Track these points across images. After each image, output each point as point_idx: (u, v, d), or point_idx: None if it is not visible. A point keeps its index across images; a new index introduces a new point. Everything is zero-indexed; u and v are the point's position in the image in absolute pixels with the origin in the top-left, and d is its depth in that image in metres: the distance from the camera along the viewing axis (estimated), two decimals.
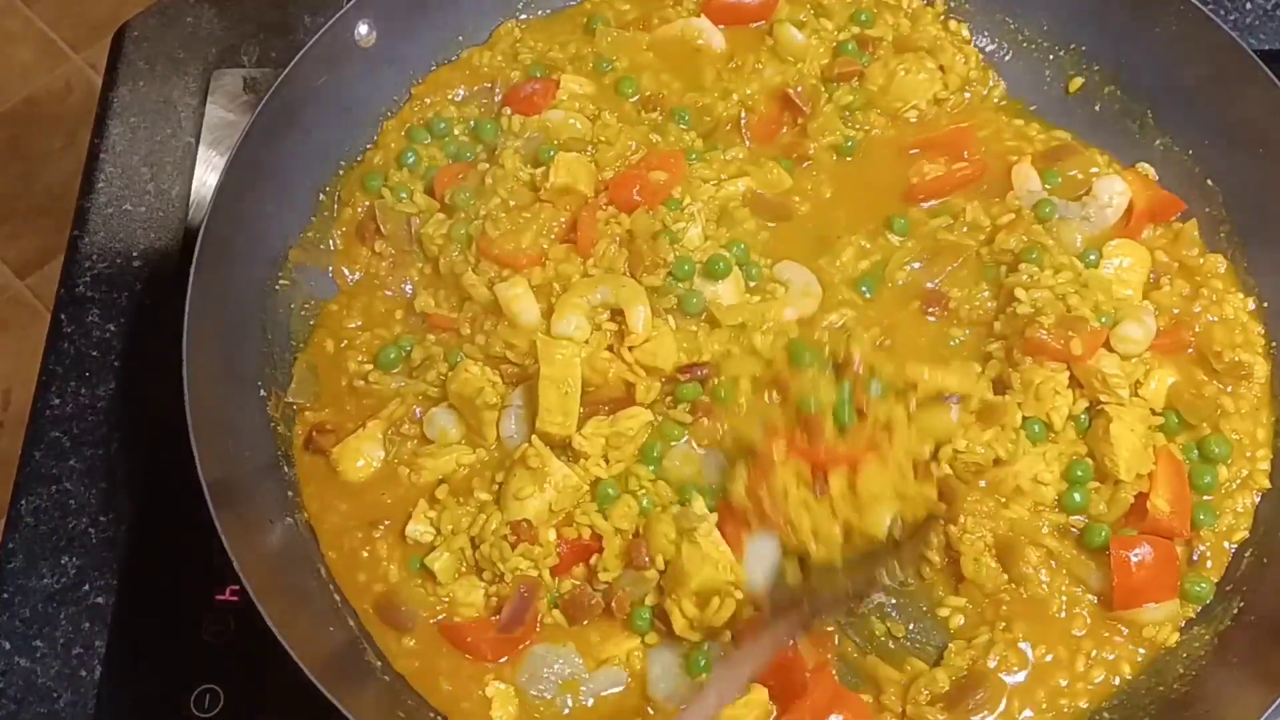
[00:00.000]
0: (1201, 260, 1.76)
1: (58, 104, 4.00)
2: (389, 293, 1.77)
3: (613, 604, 1.52)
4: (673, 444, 1.61)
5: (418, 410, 1.67)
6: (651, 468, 1.59)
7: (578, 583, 1.55)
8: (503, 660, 1.53)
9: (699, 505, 1.54)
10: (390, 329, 1.74)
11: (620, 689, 1.52)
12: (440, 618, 1.56)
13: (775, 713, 1.49)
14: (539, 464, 1.55)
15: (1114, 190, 1.79)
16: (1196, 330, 1.70)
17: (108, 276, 1.88)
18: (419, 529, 1.59)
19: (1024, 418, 1.59)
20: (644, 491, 1.57)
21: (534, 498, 1.54)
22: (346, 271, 1.79)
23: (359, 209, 1.81)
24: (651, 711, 1.51)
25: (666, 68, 1.93)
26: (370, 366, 1.70)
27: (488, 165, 1.79)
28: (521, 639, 1.53)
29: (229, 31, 2.08)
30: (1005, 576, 1.56)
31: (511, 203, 1.73)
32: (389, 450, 1.65)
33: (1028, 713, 1.51)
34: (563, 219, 1.72)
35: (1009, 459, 1.57)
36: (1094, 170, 1.81)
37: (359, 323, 1.75)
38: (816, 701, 1.46)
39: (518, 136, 1.81)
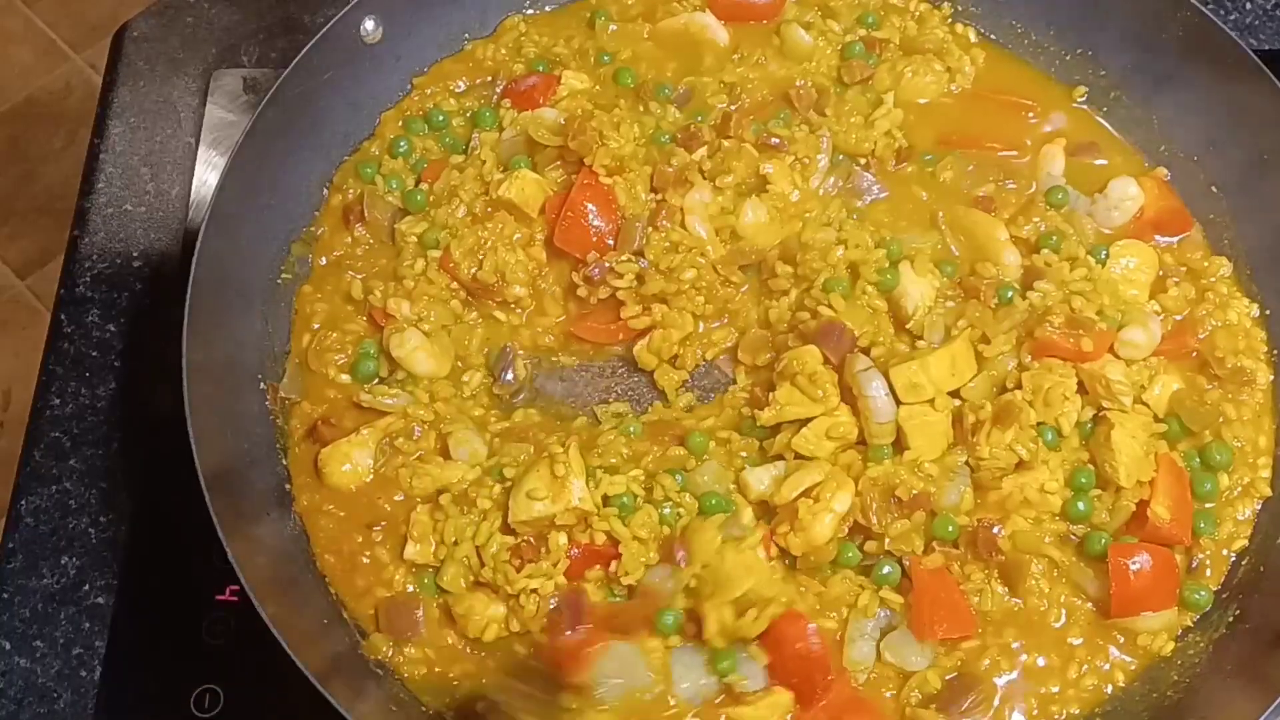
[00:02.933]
0: (1206, 263, 1.76)
1: (58, 104, 4.00)
2: (352, 275, 1.75)
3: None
4: (705, 459, 1.60)
5: (417, 429, 1.64)
6: (678, 477, 1.57)
7: (593, 585, 1.53)
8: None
9: (747, 516, 1.53)
10: (354, 322, 1.72)
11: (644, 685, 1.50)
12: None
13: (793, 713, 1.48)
14: (564, 474, 1.51)
15: (1127, 194, 1.78)
16: (1201, 335, 1.69)
17: (108, 276, 1.88)
18: (416, 549, 1.55)
19: (1037, 423, 1.56)
20: (669, 502, 1.55)
21: (544, 503, 1.51)
22: (324, 257, 1.78)
23: (348, 194, 1.80)
24: (673, 702, 1.49)
25: (667, 57, 1.92)
26: (348, 379, 1.68)
27: (463, 159, 1.79)
28: (590, 642, 1.48)
29: (229, 31, 2.08)
30: (1012, 600, 1.54)
31: (475, 209, 1.72)
32: (379, 460, 1.63)
33: (1019, 717, 1.51)
34: (519, 234, 1.71)
35: (1030, 459, 1.54)
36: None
37: (324, 308, 1.73)
38: (834, 702, 1.47)
39: (504, 130, 1.81)
